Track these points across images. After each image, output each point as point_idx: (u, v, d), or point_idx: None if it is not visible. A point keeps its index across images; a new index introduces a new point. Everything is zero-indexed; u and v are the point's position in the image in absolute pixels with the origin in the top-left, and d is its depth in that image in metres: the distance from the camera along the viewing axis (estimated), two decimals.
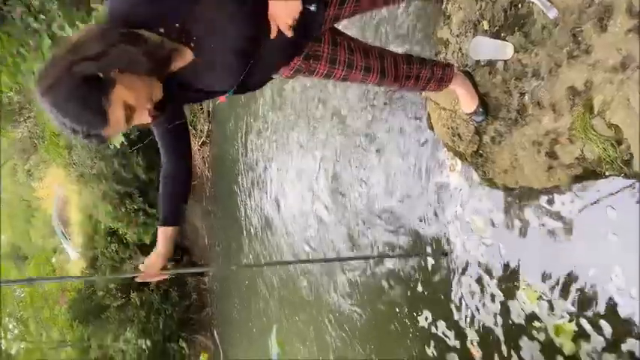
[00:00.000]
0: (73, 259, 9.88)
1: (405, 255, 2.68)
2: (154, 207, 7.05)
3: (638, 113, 1.28)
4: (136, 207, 6.93)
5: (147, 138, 7.13)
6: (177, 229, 1.40)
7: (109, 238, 7.77)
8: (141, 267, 1.43)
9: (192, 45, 1.01)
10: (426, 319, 2.69)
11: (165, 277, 1.47)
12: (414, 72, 1.53)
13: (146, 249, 8.03)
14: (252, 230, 6.02)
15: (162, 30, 0.94)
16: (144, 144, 6.59)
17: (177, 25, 0.96)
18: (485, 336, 2.21)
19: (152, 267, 1.41)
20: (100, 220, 7.44)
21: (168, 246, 1.41)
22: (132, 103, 0.88)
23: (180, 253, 9.06)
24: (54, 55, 0.86)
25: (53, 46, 4.78)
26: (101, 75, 0.83)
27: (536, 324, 1.93)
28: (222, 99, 1.21)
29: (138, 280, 1.48)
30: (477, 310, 2.26)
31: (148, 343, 7.69)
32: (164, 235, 1.40)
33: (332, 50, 1.37)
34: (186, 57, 1.02)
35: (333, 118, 3.68)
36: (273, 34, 1.12)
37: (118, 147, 5.29)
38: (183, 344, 8.04)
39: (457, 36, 1.95)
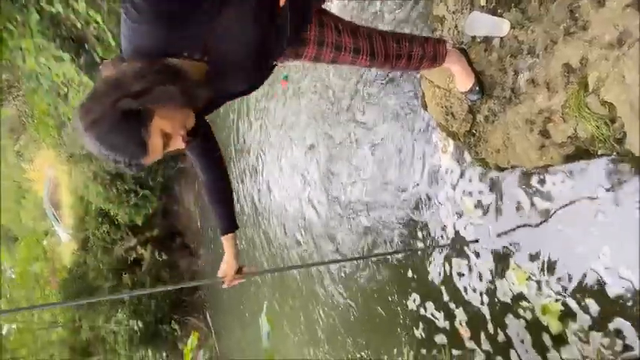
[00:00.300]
0: (64, 241, 9.83)
1: (402, 251, 2.67)
2: (146, 188, 7.01)
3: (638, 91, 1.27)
4: (127, 188, 6.88)
5: None
6: (236, 233, 1.50)
7: (100, 220, 7.74)
8: (219, 274, 1.54)
9: (207, 58, 1.04)
10: (414, 301, 2.71)
11: (242, 280, 1.57)
12: (404, 51, 1.49)
13: (138, 230, 8.02)
14: (244, 216, 6.02)
15: (185, 54, 0.98)
16: None
17: (199, 44, 1.00)
18: (474, 316, 2.23)
19: (229, 274, 1.52)
20: (90, 201, 7.38)
21: (235, 250, 1.51)
22: (169, 131, 0.93)
23: (174, 236, 9.06)
24: (96, 92, 0.90)
25: (41, 21, 4.66)
26: (141, 108, 0.88)
27: (524, 304, 1.94)
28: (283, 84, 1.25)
29: (224, 286, 1.57)
30: (466, 290, 2.27)
31: (140, 324, 7.73)
32: (228, 242, 1.51)
33: (319, 32, 1.33)
34: (202, 71, 1.05)
35: (325, 96, 3.64)
36: (282, 2, 1.12)
37: None
38: (176, 326, 8.10)
39: (453, 12, 1.92)
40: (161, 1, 0.90)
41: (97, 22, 5.07)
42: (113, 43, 5.28)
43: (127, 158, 0.91)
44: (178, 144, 0.99)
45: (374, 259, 2.97)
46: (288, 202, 4.49)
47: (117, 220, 7.55)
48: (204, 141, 1.36)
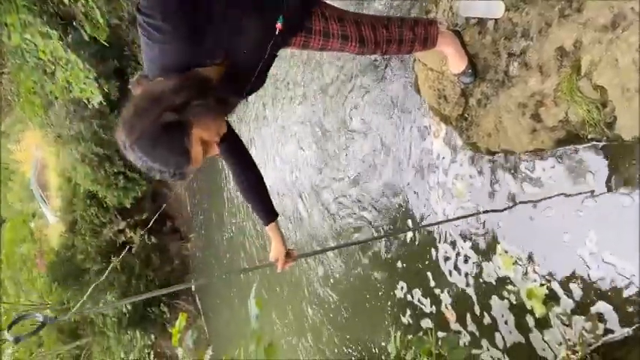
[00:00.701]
0: (52, 222, 9.73)
1: (392, 233, 2.67)
2: (135, 170, 6.93)
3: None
4: (116, 170, 6.80)
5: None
6: (277, 221, 1.57)
7: (88, 202, 7.65)
8: (271, 259, 1.61)
9: (226, 60, 1.08)
10: (402, 289, 2.73)
11: (293, 263, 1.65)
12: (394, 35, 1.46)
13: (127, 213, 7.95)
14: (234, 201, 6.00)
15: (208, 61, 1.03)
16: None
17: (219, 50, 1.05)
18: (460, 300, 2.26)
19: (280, 259, 1.58)
20: (79, 183, 7.28)
21: (281, 235, 1.58)
22: (207, 139, 0.99)
23: (164, 220, 9.01)
24: (137, 109, 0.93)
25: None
26: (181, 120, 0.93)
27: (510, 287, 1.97)
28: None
29: (278, 270, 1.63)
30: (451, 274, 2.29)
31: (129, 307, 7.71)
32: (272, 231, 1.58)
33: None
34: (221, 72, 1.09)
35: (316, 78, 3.60)
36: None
37: (97, 107, 5.11)
38: (165, 308, 8.11)
39: None
40: (180, 18, 0.94)
41: None
42: (102, 21, 5.15)
43: (172, 169, 0.95)
44: (215, 150, 1.04)
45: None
46: (278, 183, 4.48)
47: (105, 203, 7.47)
48: (232, 142, 1.40)
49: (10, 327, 1.05)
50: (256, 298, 2.40)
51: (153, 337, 8.27)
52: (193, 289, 8.24)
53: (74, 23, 5.39)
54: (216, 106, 1.01)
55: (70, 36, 5.63)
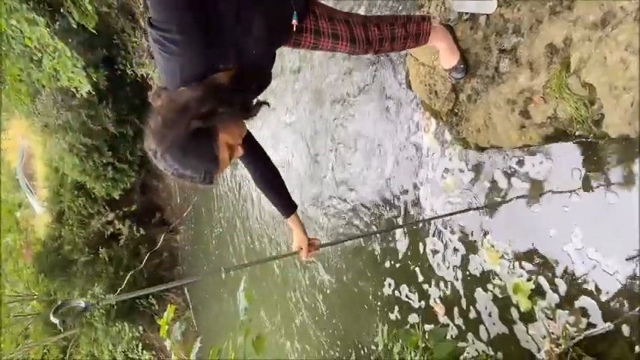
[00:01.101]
0: (38, 212, 9.60)
1: (384, 231, 2.68)
2: (124, 161, 6.85)
3: None
4: (104, 161, 6.71)
5: (118, 90, 6.83)
6: (296, 212, 1.62)
7: (75, 192, 7.55)
8: (295, 248, 1.67)
9: (237, 64, 1.09)
10: (390, 285, 2.75)
11: (319, 253, 1.72)
12: (386, 34, 1.45)
13: (116, 204, 7.88)
14: (222, 193, 5.97)
15: (221, 66, 1.04)
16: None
17: (231, 53, 1.07)
18: (447, 293, 2.28)
19: (304, 247, 1.64)
20: (66, 173, 7.17)
21: (301, 226, 1.63)
22: (232, 143, 1.03)
23: (153, 212, 8.93)
24: (165, 119, 0.94)
25: None
26: (208, 127, 0.96)
27: (496, 281, 1.99)
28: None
29: (302, 259, 1.70)
30: (439, 268, 2.31)
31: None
32: (293, 222, 1.62)
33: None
34: (230, 76, 1.10)
35: (309, 73, 3.58)
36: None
37: (85, 96, 5.02)
38: (153, 300, 8.07)
39: None
40: (197, 29, 0.95)
41: None
42: (90, 8, 5.05)
43: (202, 174, 0.99)
44: (239, 152, 1.08)
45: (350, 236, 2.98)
46: None
47: (94, 194, 7.38)
48: (249, 142, 1.42)
49: (55, 311, 1.11)
50: (245, 291, 2.40)
51: (141, 328, 8.24)
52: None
53: (62, 10, 5.27)
54: (241, 111, 1.06)
55: (57, 23, 5.52)
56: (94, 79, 5.39)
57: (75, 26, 5.20)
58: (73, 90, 5.32)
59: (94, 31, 5.21)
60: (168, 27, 0.92)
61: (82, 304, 1.14)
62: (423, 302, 2.47)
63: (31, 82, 5.49)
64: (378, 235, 2.83)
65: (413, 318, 2.57)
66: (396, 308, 2.70)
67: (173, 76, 1.00)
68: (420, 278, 2.46)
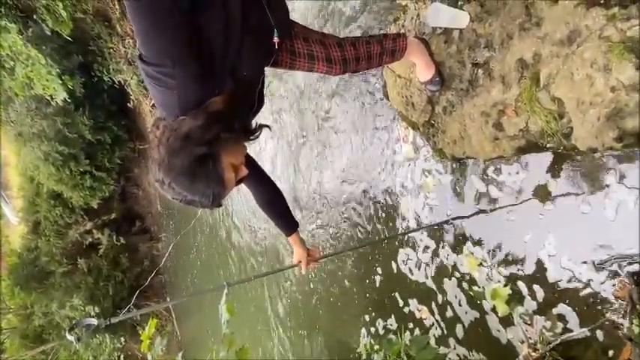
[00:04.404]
0: (13, 223, 9.31)
1: (371, 242, 2.71)
2: (102, 169, 6.71)
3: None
4: (81, 170, 6.56)
5: (95, 97, 6.69)
6: (298, 231, 1.67)
7: (52, 202, 7.36)
8: (294, 261, 1.75)
9: (233, 87, 1.11)
10: (374, 294, 2.77)
11: (318, 265, 1.83)
12: (362, 52, 1.48)
13: (94, 213, 7.70)
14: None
15: (217, 91, 1.05)
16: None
17: (228, 77, 1.09)
18: (427, 299, 2.31)
19: (303, 261, 1.72)
20: (42, 182, 6.99)
21: (300, 241, 1.70)
22: (236, 163, 1.04)
23: (133, 220, 8.77)
24: (171, 149, 0.96)
25: None
26: (211, 152, 0.98)
27: (475, 288, 2.03)
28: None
29: (302, 272, 1.76)
30: (419, 275, 2.34)
31: (97, 309, 7.48)
32: (293, 239, 1.68)
33: None
34: (226, 99, 1.10)
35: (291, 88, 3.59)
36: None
37: (60, 104, 4.91)
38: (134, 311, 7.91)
39: (416, 2, 1.92)
40: (190, 60, 0.94)
41: None
42: (64, 14, 4.94)
43: (210, 198, 1.00)
44: (244, 171, 1.09)
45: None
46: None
47: (71, 203, 7.20)
48: (248, 163, 1.45)
49: (70, 330, 1.19)
50: (227, 303, 2.38)
51: (122, 340, 8.07)
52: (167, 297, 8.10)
53: (35, 17, 5.14)
54: (242, 134, 1.09)
55: (30, 30, 5.38)
56: (70, 86, 5.27)
57: (49, 33, 5.08)
58: (48, 98, 5.20)
59: (69, 38, 5.10)
60: (161, 62, 0.92)
61: (95, 322, 1.24)
62: (405, 308, 2.50)
63: (3, 90, 5.35)
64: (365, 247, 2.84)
65: (394, 325, 2.59)
66: (379, 316, 2.72)
67: (171, 108, 1.00)
68: (401, 285, 2.49)
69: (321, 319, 3.45)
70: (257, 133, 1.16)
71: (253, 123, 1.21)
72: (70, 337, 1.18)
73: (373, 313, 2.76)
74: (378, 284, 2.72)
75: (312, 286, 3.53)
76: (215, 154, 0.98)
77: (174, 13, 0.89)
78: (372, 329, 2.76)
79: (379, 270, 2.69)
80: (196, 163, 0.96)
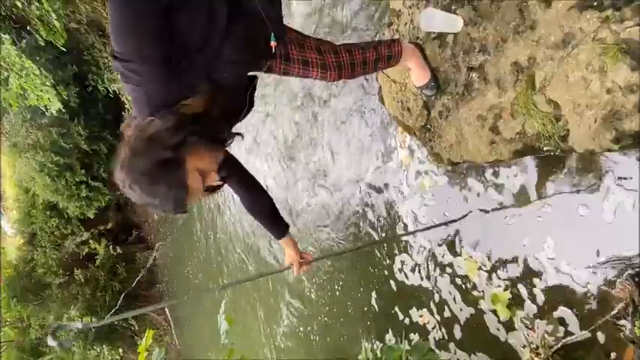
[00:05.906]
0: (9, 235, 9.24)
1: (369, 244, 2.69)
2: (98, 180, 6.68)
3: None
4: (77, 180, 6.52)
5: (90, 107, 6.68)
6: (289, 234, 1.65)
7: (48, 213, 7.31)
8: (286, 264, 1.73)
9: (212, 89, 1.09)
10: (374, 299, 2.75)
11: (310, 267, 1.77)
12: (357, 59, 1.47)
13: (91, 223, 7.65)
14: (202, 210, 5.88)
15: (190, 94, 1.03)
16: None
17: (204, 80, 1.06)
18: (428, 304, 2.29)
19: (295, 264, 1.69)
20: (37, 193, 6.94)
21: (292, 243, 1.67)
22: (203, 168, 1.00)
23: (129, 229, 8.72)
24: (135, 150, 0.94)
25: None
26: (176, 156, 0.95)
27: (475, 292, 2.01)
28: None
29: (294, 274, 1.75)
30: (421, 280, 2.33)
31: (94, 321, 7.41)
32: (285, 242, 1.66)
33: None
34: (207, 102, 1.08)
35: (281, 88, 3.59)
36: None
37: (55, 114, 4.89)
38: (132, 321, 7.85)
39: (410, 7, 1.92)
40: (159, 58, 0.92)
41: (40, 2, 4.72)
42: (58, 25, 4.94)
43: (172, 202, 0.97)
44: (214, 177, 1.05)
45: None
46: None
47: (67, 214, 7.16)
48: (236, 171, 1.44)
49: (52, 334, 1.16)
50: (226, 313, 2.36)
51: (121, 350, 7.99)
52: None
53: (28, 28, 5.14)
54: (213, 140, 1.05)
55: (24, 41, 5.37)
56: (65, 96, 5.26)
57: (43, 43, 5.08)
58: (43, 108, 5.18)
59: (64, 49, 5.10)
60: (129, 58, 0.91)
61: (79, 325, 1.21)
62: (407, 314, 2.48)
63: None
64: (365, 248, 2.83)
65: (396, 332, 2.57)
66: (381, 323, 2.70)
67: (141, 105, 0.99)
68: (402, 289, 2.47)
69: (322, 330, 3.43)
70: (229, 141, 1.13)
71: (234, 128, 1.18)
72: (52, 342, 1.15)
73: (377, 321, 2.74)
74: (376, 294, 2.70)
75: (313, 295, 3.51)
76: (179, 158, 0.96)
77: (151, 9, 0.88)
78: (375, 337, 2.74)
79: (377, 277, 2.68)
80: (157, 166, 0.94)
